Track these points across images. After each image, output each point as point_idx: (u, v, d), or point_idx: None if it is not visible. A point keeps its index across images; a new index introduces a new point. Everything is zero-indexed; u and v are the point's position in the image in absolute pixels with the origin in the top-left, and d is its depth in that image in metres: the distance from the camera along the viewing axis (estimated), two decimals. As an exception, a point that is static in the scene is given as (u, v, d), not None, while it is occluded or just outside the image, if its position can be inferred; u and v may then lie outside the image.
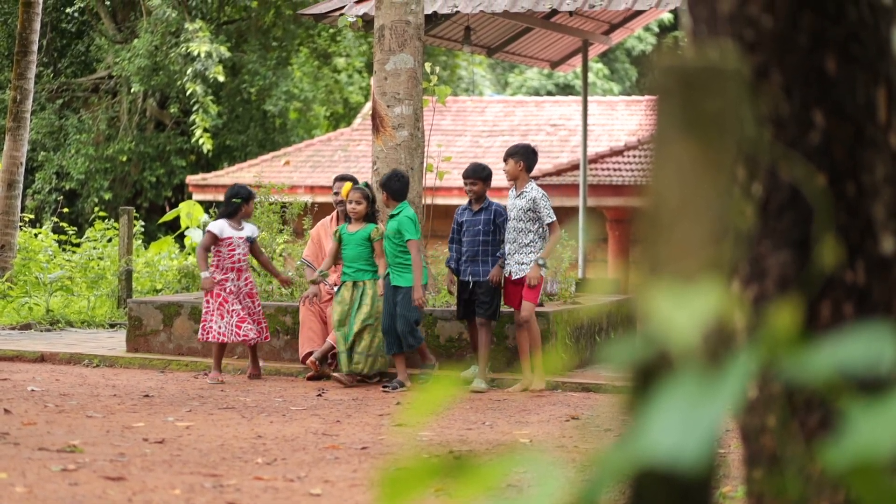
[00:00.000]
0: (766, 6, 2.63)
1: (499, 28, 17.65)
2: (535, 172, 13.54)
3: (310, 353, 11.55)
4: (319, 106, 32.57)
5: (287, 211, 14.19)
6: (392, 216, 11.20)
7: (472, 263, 11.27)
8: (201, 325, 11.43)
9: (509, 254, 11.14)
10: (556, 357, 11.17)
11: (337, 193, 11.84)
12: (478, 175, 11.32)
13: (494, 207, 11.32)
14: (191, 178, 27.95)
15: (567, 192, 22.42)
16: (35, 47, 18.14)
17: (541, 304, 11.43)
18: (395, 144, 12.51)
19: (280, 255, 14.22)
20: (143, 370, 12.23)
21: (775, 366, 1.34)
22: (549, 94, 38.50)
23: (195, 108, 28.69)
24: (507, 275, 11.15)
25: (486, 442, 8.49)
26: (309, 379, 11.49)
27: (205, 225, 16.11)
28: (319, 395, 10.74)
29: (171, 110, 30.16)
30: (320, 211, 15.98)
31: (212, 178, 27.39)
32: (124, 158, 29.76)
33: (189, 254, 20.46)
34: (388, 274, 11.15)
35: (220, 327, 11.28)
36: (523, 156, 11.22)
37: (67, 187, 29.81)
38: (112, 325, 15.67)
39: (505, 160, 11.29)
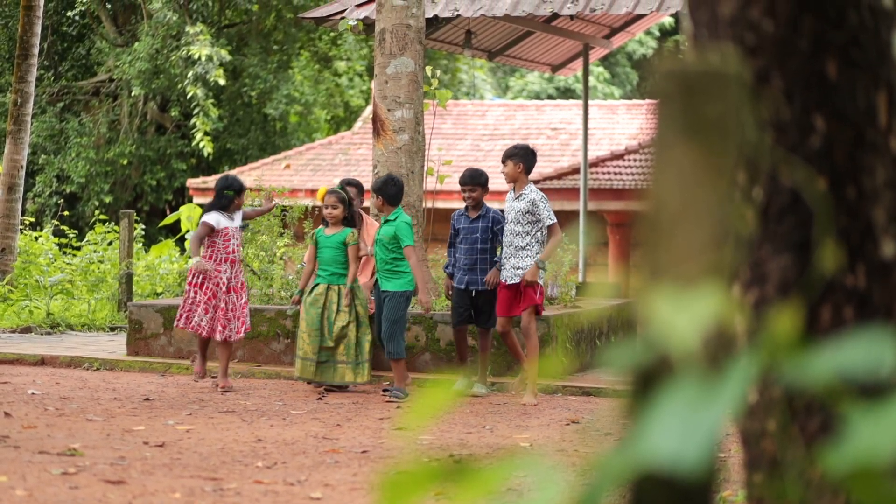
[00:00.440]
0: (767, 10, 2.63)
1: (500, 32, 17.65)
2: (535, 176, 13.51)
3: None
4: (320, 109, 32.58)
5: (287, 214, 14.19)
6: (387, 221, 11.04)
7: (470, 272, 11.08)
8: (184, 312, 11.11)
9: (505, 257, 10.87)
10: (556, 361, 11.13)
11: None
12: (476, 181, 11.10)
13: (492, 214, 11.12)
14: (191, 182, 27.96)
15: (568, 195, 22.42)
16: (36, 51, 18.15)
17: (539, 317, 10.98)
18: (395, 148, 12.52)
19: (280, 259, 14.22)
20: (144, 373, 12.23)
21: (776, 370, 1.34)
22: (550, 97, 38.51)
23: (196, 111, 28.69)
24: (501, 280, 10.86)
25: (486, 446, 8.49)
26: (309, 382, 11.49)
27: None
28: (320, 398, 10.74)
29: (172, 114, 30.16)
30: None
31: (212, 181, 27.33)
32: (125, 162, 29.77)
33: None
34: (357, 282, 10.98)
35: (202, 320, 11.10)
36: (522, 157, 10.92)
37: (68, 190, 29.81)
38: (112, 329, 15.68)
39: (503, 162, 11.01)
